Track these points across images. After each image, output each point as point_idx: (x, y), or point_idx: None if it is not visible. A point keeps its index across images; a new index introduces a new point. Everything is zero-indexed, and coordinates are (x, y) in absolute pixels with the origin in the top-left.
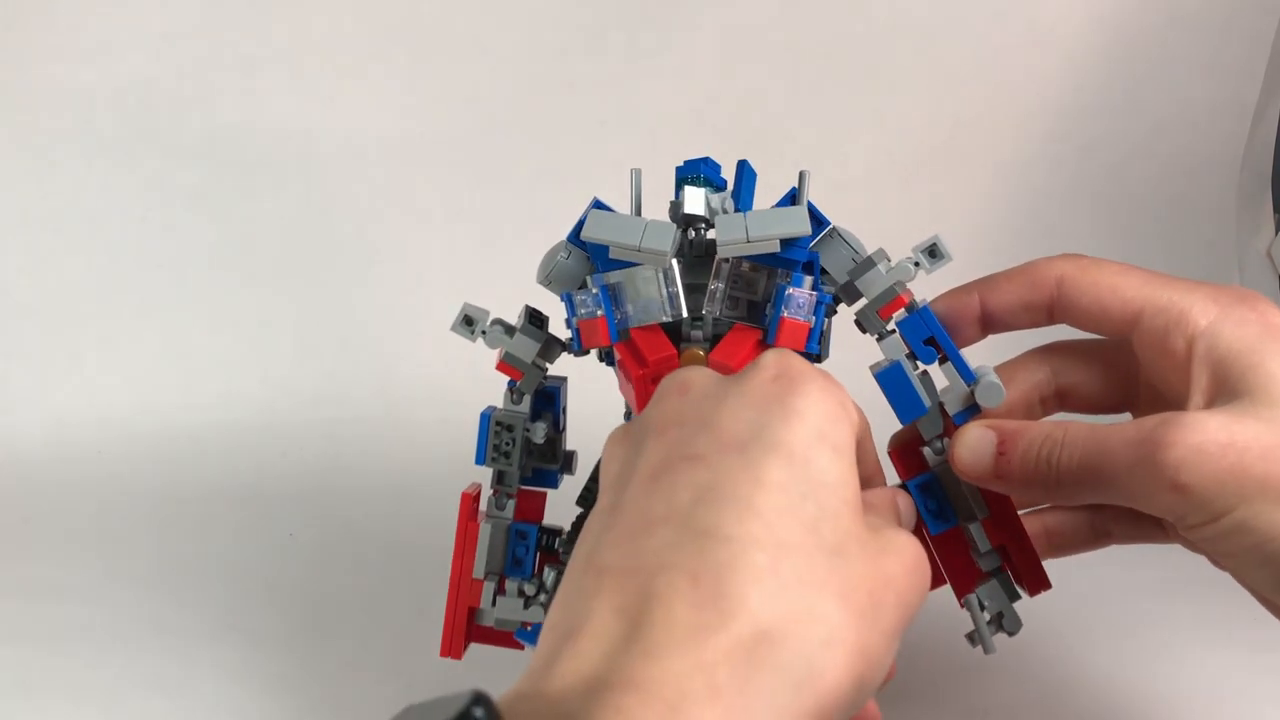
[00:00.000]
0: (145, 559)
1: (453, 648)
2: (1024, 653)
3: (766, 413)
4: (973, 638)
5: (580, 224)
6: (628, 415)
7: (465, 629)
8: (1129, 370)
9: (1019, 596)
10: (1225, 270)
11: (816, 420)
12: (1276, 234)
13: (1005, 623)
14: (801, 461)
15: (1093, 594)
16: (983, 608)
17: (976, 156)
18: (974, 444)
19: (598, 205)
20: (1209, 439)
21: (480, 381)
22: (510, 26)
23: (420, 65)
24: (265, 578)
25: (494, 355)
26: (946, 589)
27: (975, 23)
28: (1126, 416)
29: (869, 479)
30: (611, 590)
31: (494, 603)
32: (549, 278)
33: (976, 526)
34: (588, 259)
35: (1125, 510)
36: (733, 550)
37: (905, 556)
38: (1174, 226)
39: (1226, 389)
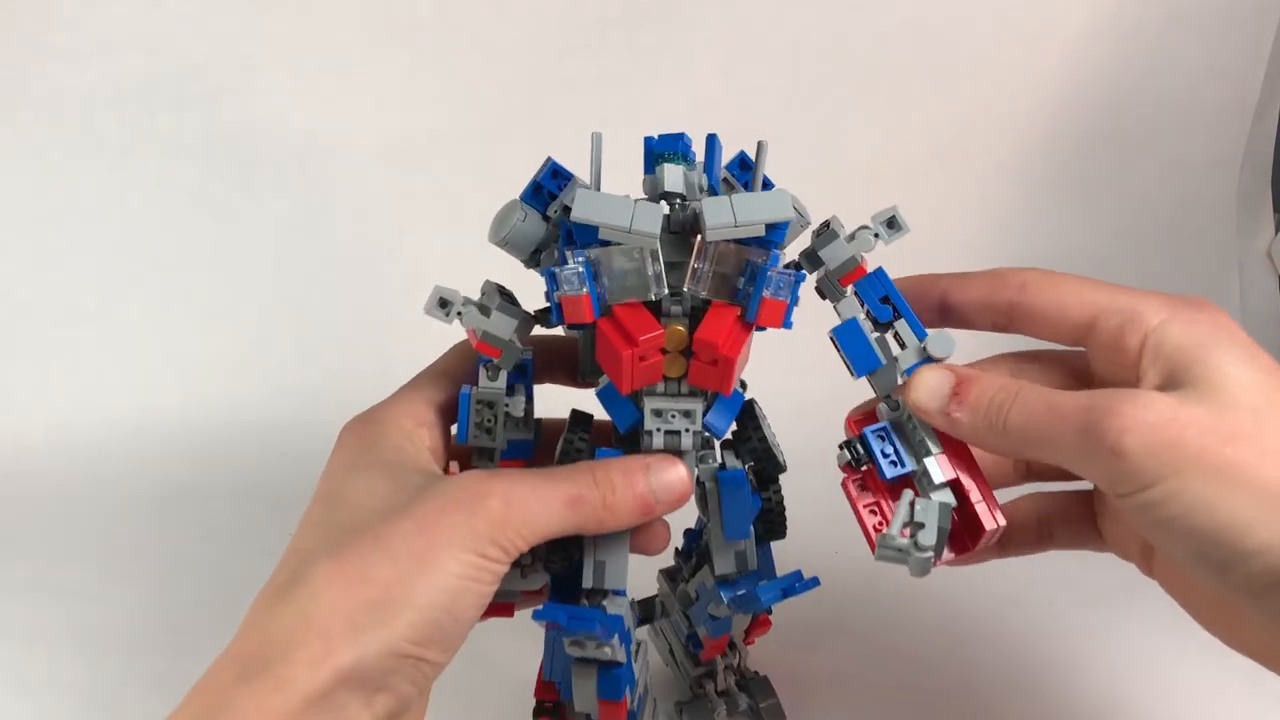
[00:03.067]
0: (145, 559)
1: None
2: (1024, 653)
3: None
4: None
5: (534, 184)
6: (582, 375)
7: None
8: (1083, 376)
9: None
10: (1225, 270)
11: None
12: (1276, 234)
13: (920, 535)
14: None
15: (1094, 596)
16: (912, 513)
17: (976, 156)
18: (932, 383)
19: (555, 166)
20: (1154, 412)
21: None
22: (510, 26)
23: (420, 65)
24: (265, 578)
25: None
26: (954, 609)
27: (975, 23)
28: None
29: None
30: None
31: None
32: (505, 240)
33: (931, 460)
34: (542, 219)
35: (1069, 512)
36: None
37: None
38: (1174, 226)
39: (1174, 380)
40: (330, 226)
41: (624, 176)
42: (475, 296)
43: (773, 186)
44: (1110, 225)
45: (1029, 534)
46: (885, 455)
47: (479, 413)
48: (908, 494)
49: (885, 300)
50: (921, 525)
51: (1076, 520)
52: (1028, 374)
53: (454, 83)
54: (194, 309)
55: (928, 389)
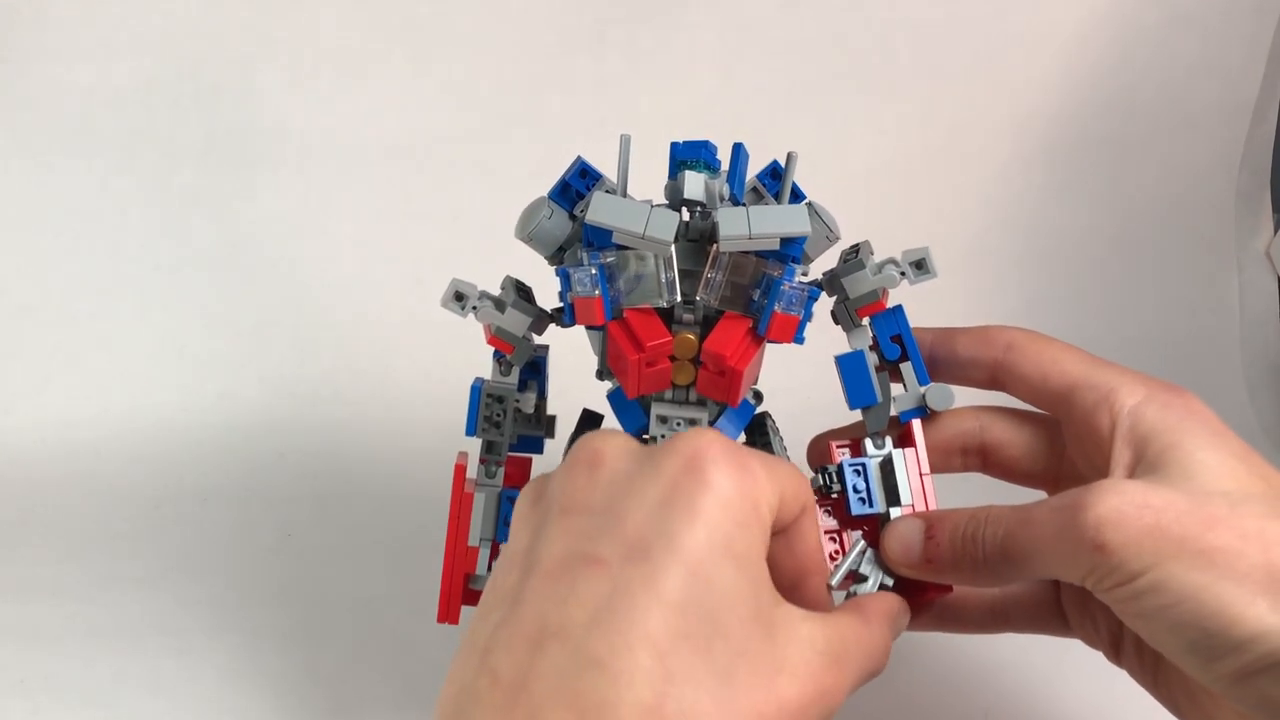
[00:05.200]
0: (145, 559)
1: (449, 613)
2: (1024, 651)
3: (672, 511)
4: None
5: (562, 182)
6: (599, 374)
7: (461, 596)
8: (1054, 444)
9: (892, 581)
10: (1225, 270)
11: (723, 526)
12: (1276, 234)
13: (859, 588)
14: (704, 579)
15: None
16: (860, 563)
17: (975, 157)
18: (904, 533)
19: (583, 166)
20: (1127, 500)
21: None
22: (510, 26)
23: (420, 65)
24: (264, 578)
25: (487, 345)
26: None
27: (974, 23)
28: (1043, 495)
29: (805, 569)
30: (501, 708)
31: (489, 568)
32: (530, 235)
33: (898, 511)
34: (569, 217)
35: (1027, 598)
36: (619, 688)
37: (802, 683)
38: (1174, 226)
39: (1145, 464)
40: (330, 226)
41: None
42: (489, 290)
43: (803, 197)
44: (1109, 225)
45: (982, 613)
46: (856, 491)
47: (488, 406)
48: (861, 543)
49: (896, 339)
50: (865, 578)
51: (1037, 604)
52: (994, 428)
53: (454, 83)
54: (193, 309)
55: (900, 541)
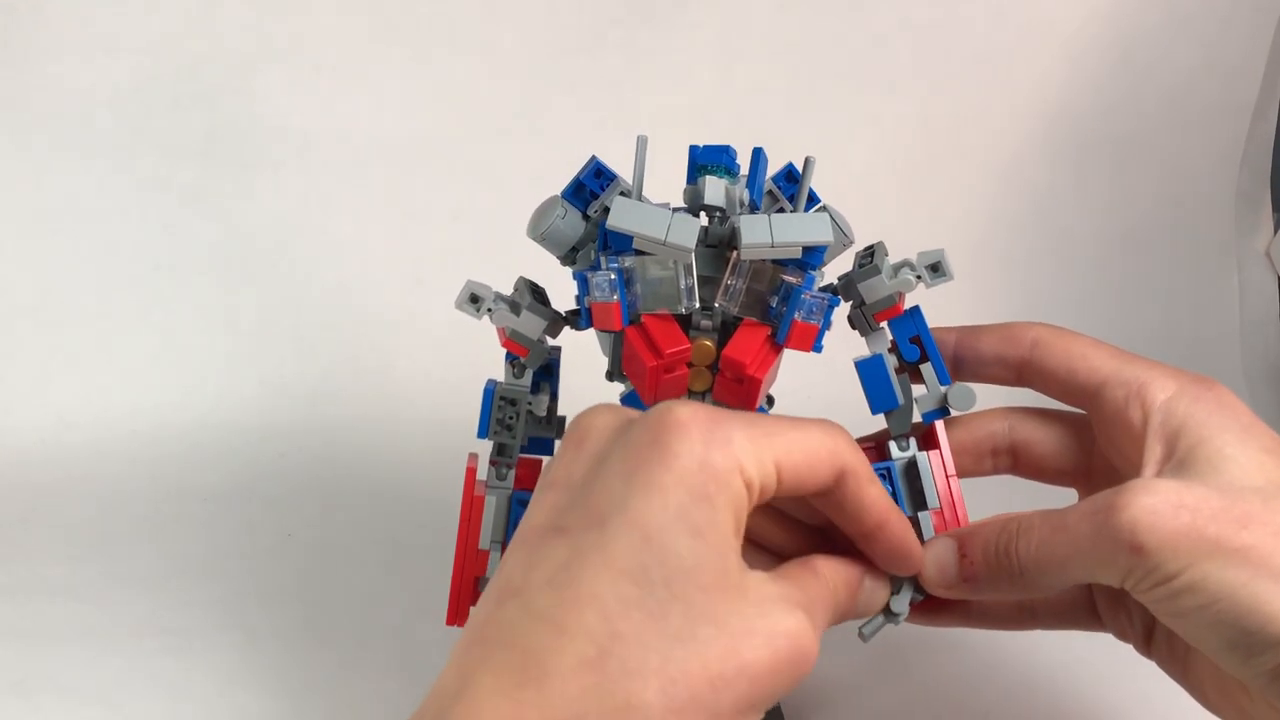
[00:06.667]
0: (145, 559)
1: (459, 616)
2: (1025, 653)
3: (632, 483)
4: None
5: (576, 181)
6: (609, 375)
7: (471, 598)
8: (1084, 442)
9: (923, 596)
10: (1225, 270)
11: (679, 499)
12: (1275, 233)
13: (893, 603)
14: (658, 547)
15: None
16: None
17: (976, 156)
18: (938, 555)
19: (598, 165)
20: (1161, 500)
21: (480, 380)
22: (510, 26)
23: (420, 65)
24: (264, 578)
25: (493, 346)
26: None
27: (975, 23)
28: (1072, 493)
29: (868, 526)
30: (460, 651)
31: None
32: (543, 235)
33: (925, 515)
34: (582, 217)
35: (1058, 594)
36: (561, 640)
37: (776, 643)
38: (1174, 226)
39: (1177, 461)
40: (330, 226)
41: (623, 176)
42: (502, 292)
43: (818, 200)
44: (1110, 225)
45: (1008, 610)
46: None
47: (501, 409)
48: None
49: (915, 340)
50: (897, 590)
51: (1069, 601)
52: (1023, 428)
53: (454, 83)
54: (193, 309)
55: (936, 563)
